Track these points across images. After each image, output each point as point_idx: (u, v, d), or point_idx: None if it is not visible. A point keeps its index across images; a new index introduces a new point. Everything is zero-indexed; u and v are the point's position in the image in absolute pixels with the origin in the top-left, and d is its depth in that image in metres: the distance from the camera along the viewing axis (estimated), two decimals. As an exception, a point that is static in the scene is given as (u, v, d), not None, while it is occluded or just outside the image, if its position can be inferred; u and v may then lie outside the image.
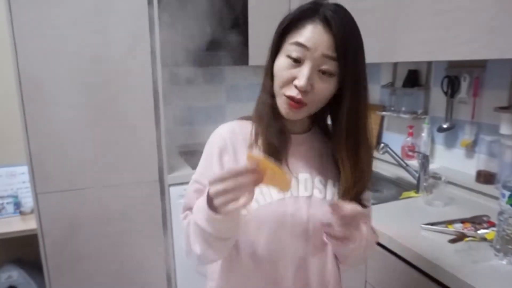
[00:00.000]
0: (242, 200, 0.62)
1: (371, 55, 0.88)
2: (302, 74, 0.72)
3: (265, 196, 0.80)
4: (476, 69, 1.55)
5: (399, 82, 1.97)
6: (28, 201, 2.18)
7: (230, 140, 0.83)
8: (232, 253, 0.82)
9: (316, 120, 0.89)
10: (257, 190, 0.72)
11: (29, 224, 2.04)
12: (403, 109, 1.93)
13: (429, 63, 1.81)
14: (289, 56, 0.74)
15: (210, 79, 2.53)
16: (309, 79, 0.72)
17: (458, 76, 1.63)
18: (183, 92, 2.49)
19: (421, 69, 1.85)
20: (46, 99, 1.78)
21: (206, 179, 0.75)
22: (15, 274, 2.06)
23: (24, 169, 1.99)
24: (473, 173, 1.57)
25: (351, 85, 0.75)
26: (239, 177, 0.61)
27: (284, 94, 0.75)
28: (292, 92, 0.74)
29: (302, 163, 0.84)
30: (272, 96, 0.79)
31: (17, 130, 1.77)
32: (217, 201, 0.63)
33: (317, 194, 0.82)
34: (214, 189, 0.62)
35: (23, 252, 2.23)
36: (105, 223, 1.94)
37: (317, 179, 0.84)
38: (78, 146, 1.88)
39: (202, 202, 0.68)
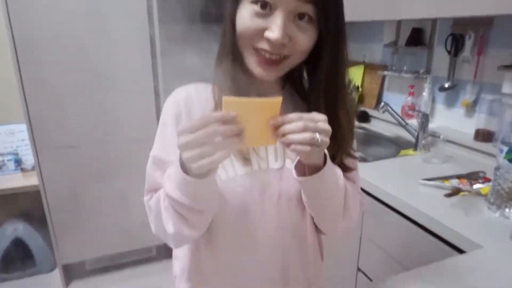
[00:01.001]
0: (217, 155, 0.51)
1: (375, 12, 0.83)
2: (276, 24, 0.58)
3: (228, 170, 0.68)
4: (483, 26, 1.52)
5: (402, 41, 1.93)
6: (28, 159, 2.20)
7: (185, 106, 0.70)
8: None
9: (289, 79, 0.74)
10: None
11: (30, 180, 2.07)
12: (405, 68, 1.91)
13: (434, 21, 1.77)
14: (254, 1, 0.59)
15: (207, 38, 2.47)
16: (285, 28, 0.58)
17: (463, 34, 1.60)
18: (181, 50, 2.44)
19: (425, 27, 1.81)
20: (42, 59, 1.75)
21: (166, 154, 0.69)
22: (20, 227, 2.11)
23: (23, 127, 1.98)
24: (472, 132, 1.58)
25: (333, 34, 0.62)
26: (213, 125, 0.50)
27: (253, 46, 0.62)
28: (264, 45, 0.61)
29: None
30: (235, 50, 0.65)
31: (14, 89, 1.75)
32: (186, 155, 0.51)
33: (289, 164, 0.70)
34: (183, 140, 0.51)
35: (27, 208, 2.28)
36: (106, 180, 1.97)
37: None
38: (76, 104, 1.86)
39: (173, 168, 0.58)
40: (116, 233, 2.08)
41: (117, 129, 1.96)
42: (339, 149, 0.68)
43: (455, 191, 1.21)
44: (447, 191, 1.22)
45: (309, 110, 0.62)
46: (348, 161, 0.72)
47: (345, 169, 0.72)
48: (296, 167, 0.66)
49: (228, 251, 0.72)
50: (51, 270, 2.20)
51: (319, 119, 0.57)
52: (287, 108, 0.68)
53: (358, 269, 1.43)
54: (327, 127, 0.57)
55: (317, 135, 0.55)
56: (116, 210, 2.04)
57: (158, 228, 0.67)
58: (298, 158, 0.64)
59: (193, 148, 0.51)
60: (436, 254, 1.06)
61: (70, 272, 2.16)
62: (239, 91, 0.63)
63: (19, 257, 2.14)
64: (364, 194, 0.86)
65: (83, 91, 1.86)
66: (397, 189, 1.26)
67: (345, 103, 0.68)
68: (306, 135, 0.54)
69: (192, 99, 0.71)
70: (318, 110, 0.61)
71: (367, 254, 1.39)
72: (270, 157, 0.70)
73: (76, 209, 1.97)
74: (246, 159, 0.68)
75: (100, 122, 1.92)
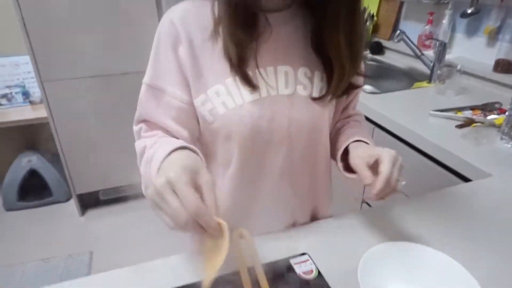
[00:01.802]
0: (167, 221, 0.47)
1: None
2: None
3: (235, 97, 0.63)
4: None
5: (424, -38, 1.76)
6: (36, 91, 2.19)
7: (183, 26, 0.63)
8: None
9: None
10: (224, 90, 0.63)
11: (39, 113, 2.08)
12: (425, -7, 1.77)
13: None
14: None
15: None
16: None
17: (493, -49, 1.45)
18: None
19: None
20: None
21: (160, 81, 0.65)
22: (34, 158, 2.17)
23: (27, 58, 1.95)
24: (491, 62, 1.49)
25: None
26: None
27: None
28: None
29: (281, 51, 0.65)
30: None
31: (15, 21, 1.69)
32: (152, 205, 0.48)
33: (300, 91, 0.66)
34: (153, 196, 0.47)
35: (40, 140, 2.33)
36: (114, 112, 1.96)
37: (301, 72, 0.66)
38: (79, 35, 1.80)
39: (154, 165, 0.55)
40: (127, 164, 2.12)
41: (121, 62, 1.91)
42: (353, 72, 0.67)
43: (468, 122, 1.17)
44: (459, 122, 1.18)
45: (324, 28, 0.63)
46: (355, 79, 0.70)
47: (354, 87, 0.70)
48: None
49: (236, 181, 0.70)
50: (67, 199, 2.30)
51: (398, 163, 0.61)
52: (295, 27, 0.67)
53: (363, 201, 1.45)
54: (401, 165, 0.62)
55: (399, 184, 0.61)
56: (126, 142, 2.06)
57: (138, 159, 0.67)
58: (341, 150, 0.71)
59: (158, 208, 0.48)
60: (443, 185, 1.05)
61: (85, 202, 2.26)
62: (242, 6, 0.58)
63: (36, 187, 2.23)
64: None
65: (85, 23, 1.79)
66: (407, 120, 1.22)
67: (362, 21, 0.65)
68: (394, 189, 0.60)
69: (189, 18, 0.64)
70: (336, 28, 0.61)
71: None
72: (279, 82, 0.65)
73: (86, 141, 2.00)
74: (254, 86, 0.64)
75: (103, 54, 1.87)
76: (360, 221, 0.75)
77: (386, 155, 0.60)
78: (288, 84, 0.66)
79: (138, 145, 0.67)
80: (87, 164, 2.06)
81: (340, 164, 0.74)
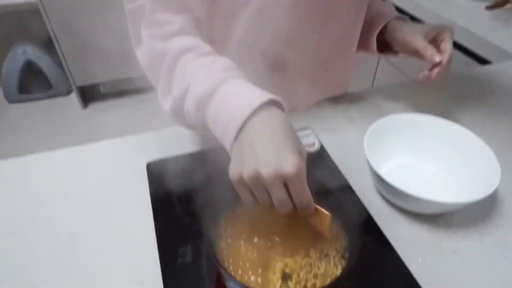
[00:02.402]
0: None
1: None
2: None
3: None
4: None
5: None
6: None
7: None
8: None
9: None
10: None
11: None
12: None
13: None
14: None
15: None
16: None
17: None
18: None
19: None
20: None
21: None
22: (29, 49, 2.07)
23: None
24: None
25: None
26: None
27: None
28: None
29: None
30: None
31: None
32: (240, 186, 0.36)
33: None
34: (251, 182, 0.35)
35: (33, 30, 2.20)
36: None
37: None
38: None
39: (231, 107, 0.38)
40: (126, 57, 2.03)
41: None
42: None
43: (499, 3, 1.03)
44: (489, 3, 1.05)
45: None
46: None
47: None
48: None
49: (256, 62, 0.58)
50: (68, 93, 2.26)
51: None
52: None
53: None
54: None
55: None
56: (125, 33, 1.94)
57: (155, 83, 0.49)
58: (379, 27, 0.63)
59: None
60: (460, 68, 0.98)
61: (86, 95, 2.22)
62: None
63: (35, 79, 2.17)
64: None
65: None
66: (431, 1, 1.09)
67: None
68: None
69: None
70: None
71: (384, 74, 1.31)
72: None
73: (81, 29, 1.88)
74: None
75: None
76: (371, 98, 0.69)
77: (448, 31, 0.57)
78: None
79: (159, 48, 0.45)
80: (84, 55, 1.97)
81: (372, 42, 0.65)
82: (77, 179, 0.55)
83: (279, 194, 0.34)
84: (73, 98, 2.19)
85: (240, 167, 0.35)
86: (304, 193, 0.35)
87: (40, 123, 2.09)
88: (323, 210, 0.38)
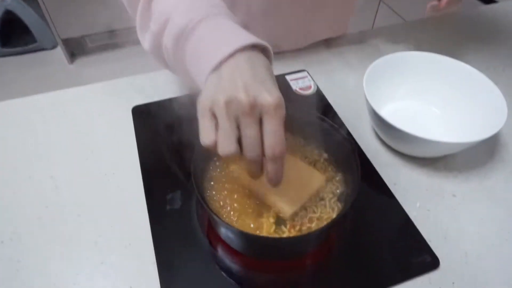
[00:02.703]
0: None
1: None
2: None
3: None
4: None
5: None
6: None
7: None
8: None
9: None
10: None
11: None
12: None
13: None
14: None
15: None
16: None
17: None
18: None
19: None
20: None
21: None
22: (7, -1, 1.95)
23: None
24: None
25: None
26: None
27: None
28: None
29: None
30: None
31: None
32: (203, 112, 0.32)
33: None
34: (217, 108, 0.31)
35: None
36: None
37: None
38: None
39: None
40: (113, 7, 1.92)
41: None
42: None
43: None
44: None
45: None
46: None
47: None
48: None
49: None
50: (53, 47, 2.16)
51: None
52: None
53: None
54: None
55: None
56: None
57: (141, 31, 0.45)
58: None
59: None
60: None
61: (73, 49, 2.13)
62: None
63: (17, 32, 2.07)
64: None
65: None
66: None
67: None
68: None
69: None
70: None
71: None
72: None
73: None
74: None
75: None
76: (369, 39, 0.65)
77: None
78: None
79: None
80: (68, 6, 1.86)
81: None
82: (61, 124, 0.52)
83: (251, 130, 0.30)
84: (59, 52, 2.09)
85: (215, 93, 0.31)
86: (279, 135, 0.30)
87: (25, 79, 2.02)
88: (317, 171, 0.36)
